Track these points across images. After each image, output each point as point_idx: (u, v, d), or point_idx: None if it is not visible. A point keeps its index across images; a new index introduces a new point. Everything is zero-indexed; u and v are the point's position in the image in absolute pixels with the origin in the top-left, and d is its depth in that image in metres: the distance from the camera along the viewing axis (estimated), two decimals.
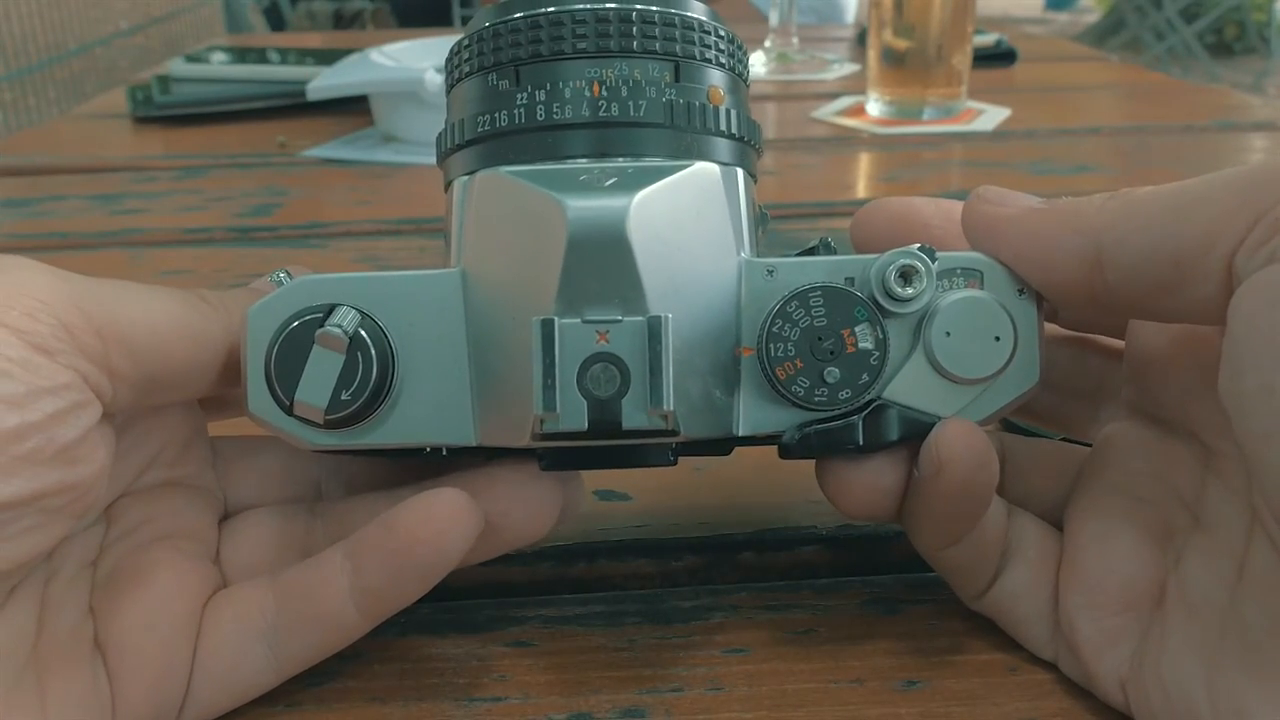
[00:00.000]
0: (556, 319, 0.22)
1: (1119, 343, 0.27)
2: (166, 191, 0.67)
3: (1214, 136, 0.76)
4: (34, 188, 0.69)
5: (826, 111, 0.84)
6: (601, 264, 0.22)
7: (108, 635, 0.24)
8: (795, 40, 1.02)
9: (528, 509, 0.25)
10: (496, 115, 0.25)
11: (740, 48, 0.27)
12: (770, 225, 0.27)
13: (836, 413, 0.24)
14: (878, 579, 0.30)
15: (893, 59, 0.79)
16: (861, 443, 0.24)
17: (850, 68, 1.01)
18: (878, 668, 0.27)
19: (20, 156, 0.75)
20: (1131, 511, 0.25)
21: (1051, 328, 0.28)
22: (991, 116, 0.80)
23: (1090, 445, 0.28)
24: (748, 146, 0.26)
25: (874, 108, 0.82)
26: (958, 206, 0.26)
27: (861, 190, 0.67)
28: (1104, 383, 0.28)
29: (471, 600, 0.30)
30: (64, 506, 0.22)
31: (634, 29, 0.24)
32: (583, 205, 0.23)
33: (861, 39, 0.99)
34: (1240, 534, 0.22)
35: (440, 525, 0.23)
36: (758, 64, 1.00)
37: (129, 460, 0.26)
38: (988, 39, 1.01)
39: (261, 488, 0.28)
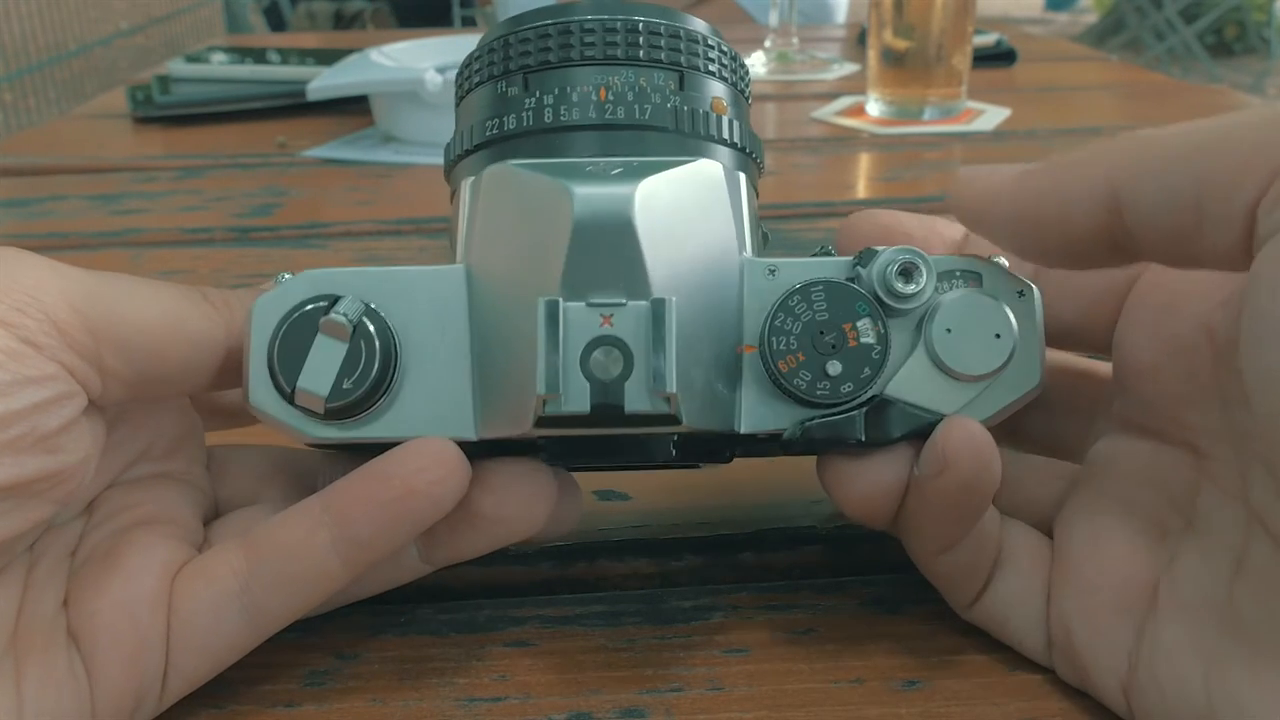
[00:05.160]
0: (561, 301, 0.22)
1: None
2: (166, 191, 0.67)
3: None
4: (34, 188, 0.69)
5: (826, 112, 0.84)
6: (606, 248, 0.23)
7: (80, 619, 0.24)
8: (795, 40, 1.02)
9: (523, 497, 0.25)
10: (505, 119, 0.25)
11: (742, 64, 0.27)
12: (770, 229, 0.27)
13: (838, 407, 0.24)
14: (878, 579, 0.30)
15: (893, 59, 0.79)
16: (863, 438, 0.24)
17: (850, 68, 1.01)
18: (878, 668, 0.27)
19: (20, 156, 0.75)
20: (1123, 514, 0.25)
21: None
22: (991, 116, 0.80)
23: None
24: (749, 158, 0.26)
25: (874, 108, 0.82)
26: (942, 222, 0.26)
27: (861, 190, 0.67)
28: (1097, 408, 0.27)
29: (471, 600, 0.30)
30: (44, 492, 0.22)
31: (640, 39, 0.25)
32: (589, 191, 0.23)
33: (861, 39, 0.99)
34: (1238, 532, 0.22)
35: (434, 475, 0.23)
36: (757, 64, 1.00)
37: (118, 453, 0.26)
38: (988, 39, 1.01)
39: (255, 492, 0.28)
